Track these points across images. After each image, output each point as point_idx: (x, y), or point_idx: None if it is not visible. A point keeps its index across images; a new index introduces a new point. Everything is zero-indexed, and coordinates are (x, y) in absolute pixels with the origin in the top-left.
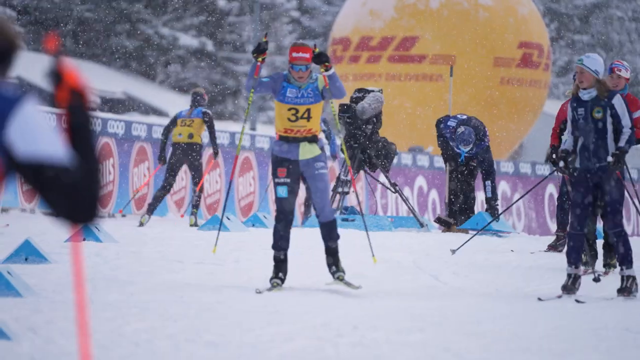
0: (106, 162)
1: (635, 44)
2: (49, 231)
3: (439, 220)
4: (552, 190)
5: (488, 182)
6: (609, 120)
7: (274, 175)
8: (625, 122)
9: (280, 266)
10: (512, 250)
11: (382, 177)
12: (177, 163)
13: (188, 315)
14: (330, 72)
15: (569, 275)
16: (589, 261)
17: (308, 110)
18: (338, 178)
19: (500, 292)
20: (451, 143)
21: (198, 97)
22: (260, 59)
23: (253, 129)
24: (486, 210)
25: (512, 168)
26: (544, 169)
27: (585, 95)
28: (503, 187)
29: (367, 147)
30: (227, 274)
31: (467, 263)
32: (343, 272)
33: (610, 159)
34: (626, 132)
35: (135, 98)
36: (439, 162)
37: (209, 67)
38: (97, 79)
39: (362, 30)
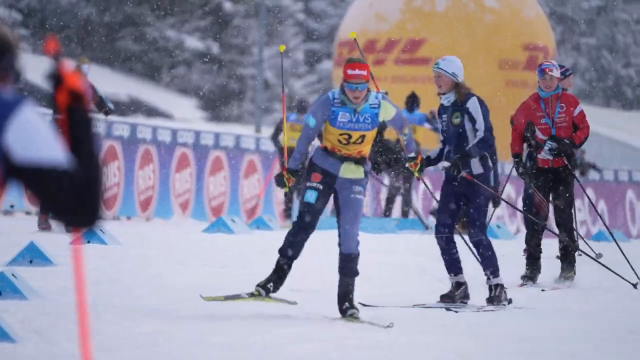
0: (111, 165)
1: None
2: (53, 233)
3: (433, 213)
4: None
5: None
6: (468, 125)
7: (307, 178)
8: (479, 125)
9: (277, 276)
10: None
11: (387, 180)
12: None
13: (193, 317)
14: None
15: (451, 284)
16: (529, 275)
17: (362, 136)
18: None
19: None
20: None
21: (304, 104)
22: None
23: (258, 131)
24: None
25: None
26: None
27: (445, 101)
28: (507, 189)
29: (373, 150)
30: (231, 276)
31: (472, 265)
32: (357, 309)
33: (446, 164)
34: (479, 135)
35: (141, 101)
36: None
37: (214, 70)
38: (102, 82)
39: (368, 32)
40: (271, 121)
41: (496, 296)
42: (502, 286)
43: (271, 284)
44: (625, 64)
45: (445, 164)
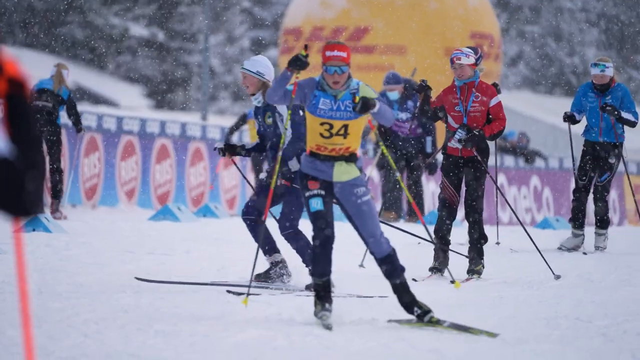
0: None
1: (584, 35)
2: None
3: None
4: (502, 179)
5: (429, 138)
6: (281, 123)
7: (304, 188)
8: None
9: (325, 296)
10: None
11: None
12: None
13: (139, 305)
14: (376, 109)
15: (269, 264)
16: (438, 267)
17: (345, 126)
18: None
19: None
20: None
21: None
22: (296, 76)
23: (204, 119)
24: (425, 164)
25: None
26: (497, 160)
27: (255, 102)
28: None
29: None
30: (178, 264)
31: (417, 253)
32: (431, 309)
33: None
34: (288, 134)
35: (86, 88)
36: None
37: (159, 57)
38: (47, 70)
39: (314, 20)
40: (216, 109)
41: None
42: (279, 262)
43: (327, 304)
44: (569, 51)
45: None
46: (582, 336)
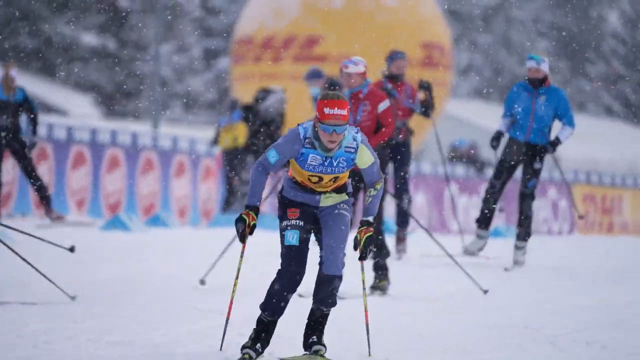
0: (5, 163)
1: (535, 44)
2: None
3: None
4: (453, 188)
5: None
6: None
7: (282, 217)
8: None
9: (263, 334)
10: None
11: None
12: (231, 168)
13: (90, 315)
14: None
15: None
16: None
17: (335, 177)
18: (240, 178)
19: (405, 291)
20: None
21: (234, 102)
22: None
23: (155, 128)
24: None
25: (414, 168)
26: (446, 169)
27: None
28: None
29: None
30: (130, 274)
31: (370, 262)
32: (325, 346)
33: None
34: None
35: (36, 97)
36: None
37: (111, 67)
38: None
39: (265, 29)
40: (168, 119)
41: None
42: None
43: (259, 344)
44: (520, 61)
45: None
46: (531, 345)
